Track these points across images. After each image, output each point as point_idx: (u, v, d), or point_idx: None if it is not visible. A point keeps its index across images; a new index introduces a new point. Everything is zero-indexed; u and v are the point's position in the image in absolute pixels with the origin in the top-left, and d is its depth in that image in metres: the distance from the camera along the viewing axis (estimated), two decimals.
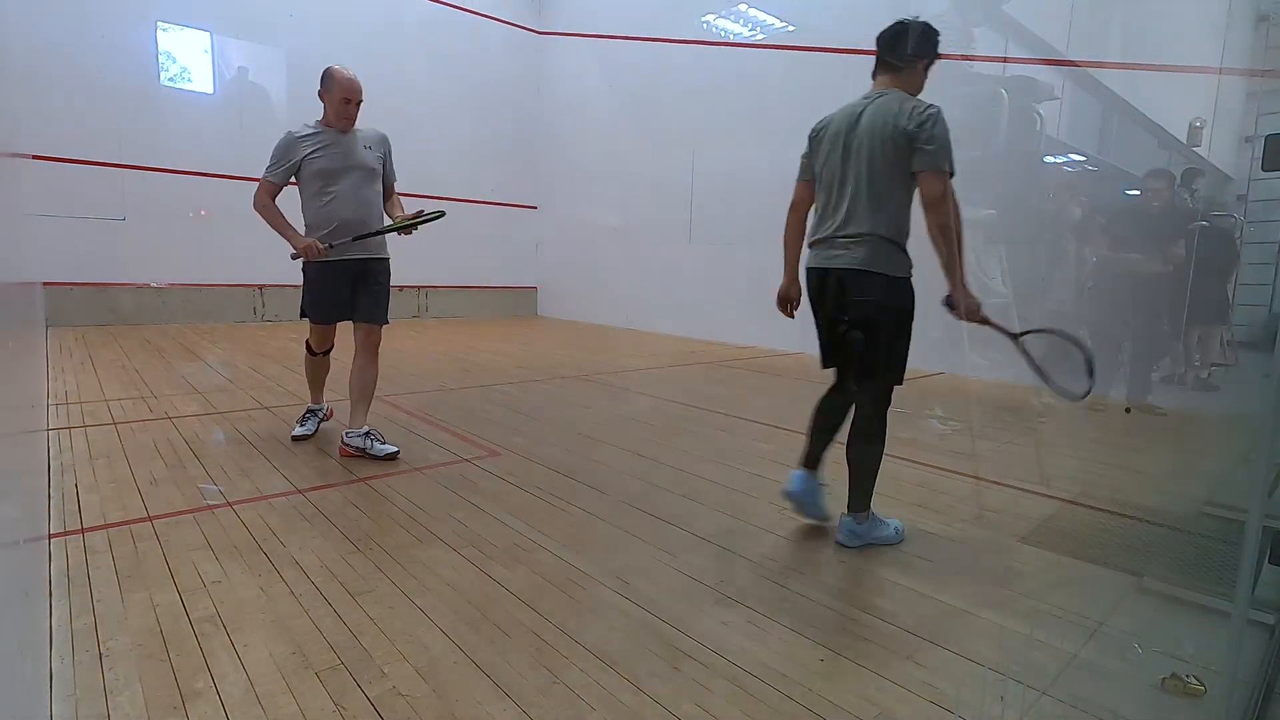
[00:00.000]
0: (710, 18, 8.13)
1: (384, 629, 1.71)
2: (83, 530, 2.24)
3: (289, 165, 3.09)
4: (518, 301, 11.25)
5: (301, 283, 3.23)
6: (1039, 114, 5.73)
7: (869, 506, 2.34)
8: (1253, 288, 4.73)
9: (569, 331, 9.28)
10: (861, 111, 2.22)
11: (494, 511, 2.54)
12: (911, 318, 2.27)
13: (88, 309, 7.36)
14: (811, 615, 1.86)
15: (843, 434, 2.41)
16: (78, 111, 7.09)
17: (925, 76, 2.27)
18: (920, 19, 2.24)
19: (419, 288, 9.87)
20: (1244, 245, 4.82)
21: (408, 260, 9.85)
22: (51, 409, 3.81)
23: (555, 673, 1.56)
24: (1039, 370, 2.25)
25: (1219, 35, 4.66)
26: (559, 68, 10.65)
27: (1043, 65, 5.83)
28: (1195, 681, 1.56)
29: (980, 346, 5.96)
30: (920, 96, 2.22)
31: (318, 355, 3.47)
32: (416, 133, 9.50)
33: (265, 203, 3.09)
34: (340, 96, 3.07)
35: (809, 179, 2.42)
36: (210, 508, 2.47)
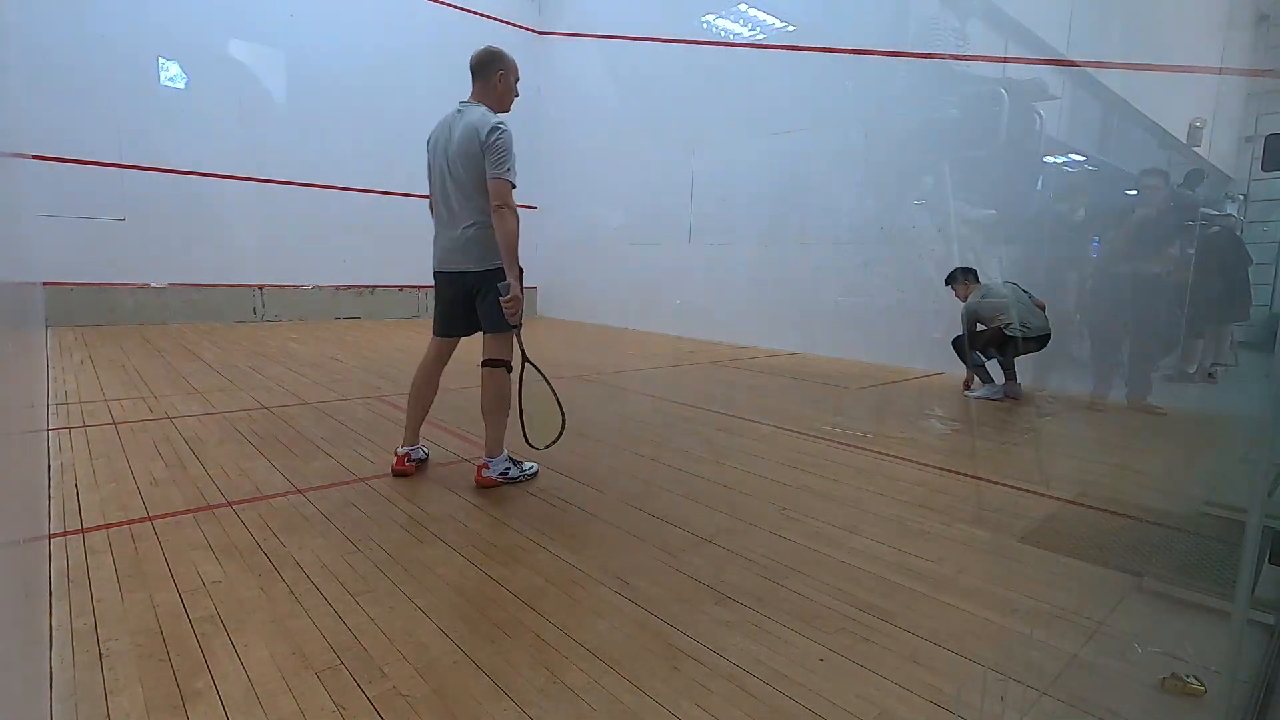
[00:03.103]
0: (710, 18, 8.13)
1: (384, 629, 1.71)
2: (83, 530, 2.25)
3: None
4: None
5: (502, 299, 2.91)
6: (1039, 114, 5.73)
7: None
8: (1253, 287, 4.73)
9: (569, 331, 9.28)
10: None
11: (494, 511, 2.54)
12: None
13: (88, 309, 7.37)
14: (811, 615, 1.86)
15: None
16: (78, 111, 7.10)
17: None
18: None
19: (418, 288, 9.87)
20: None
21: (407, 260, 9.92)
22: (51, 409, 3.81)
23: (555, 673, 1.56)
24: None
25: (1219, 35, 4.66)
26: (559, 68, 10.65)
27: (1043, 65, 5.83)
28: (1195, 681, 1.56)
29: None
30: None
31: None
32: (416, 132, 9.53)
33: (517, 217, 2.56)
34: (517, 76, 2.74)
35: None
36: (210, 507, 2.47)
